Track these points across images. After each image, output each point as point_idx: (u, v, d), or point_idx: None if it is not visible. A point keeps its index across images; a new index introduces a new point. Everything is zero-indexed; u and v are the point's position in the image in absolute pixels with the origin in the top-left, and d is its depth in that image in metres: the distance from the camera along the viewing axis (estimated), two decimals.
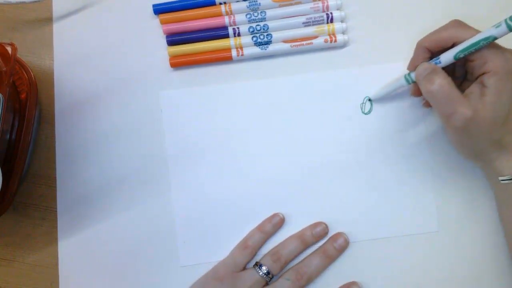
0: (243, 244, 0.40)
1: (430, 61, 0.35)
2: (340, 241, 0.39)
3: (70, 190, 0.42)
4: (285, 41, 0.42)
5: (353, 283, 0.40)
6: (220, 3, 0.42)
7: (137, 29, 0.43)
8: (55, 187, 0.42)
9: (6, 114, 0.36)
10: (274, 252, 0.39)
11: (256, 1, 0.41)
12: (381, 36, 0.42)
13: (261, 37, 0.42)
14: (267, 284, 0.39)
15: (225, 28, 0.42)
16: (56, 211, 0.41)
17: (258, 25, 0.42)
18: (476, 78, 0.34)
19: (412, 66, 0.37)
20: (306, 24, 0.42)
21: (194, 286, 0.40)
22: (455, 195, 0.40)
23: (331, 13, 0.41)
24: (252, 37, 0.42)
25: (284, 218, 0.40)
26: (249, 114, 0.42)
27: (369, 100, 0.41)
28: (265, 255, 0.39)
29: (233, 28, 0.42)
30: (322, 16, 0.41)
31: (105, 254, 0.41)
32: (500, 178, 0.35)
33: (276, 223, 0.40)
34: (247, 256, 0.39)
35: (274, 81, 0.42)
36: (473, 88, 0.34)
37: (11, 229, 0.42)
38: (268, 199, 0.41)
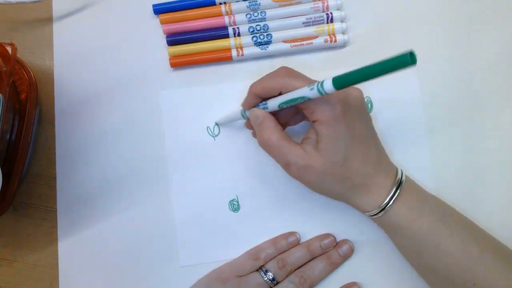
0: (255, 255, 0.39)
1: (259, 104, 0.35)
2: (345, 248, 0.40)
3: (70, 190, 0.42)
4: (285, 41, 0.42)
5: (354, 283, 0.40)
6: (220, 3, 0.42)
7: (137, 29, 0.43)
8: (55, 187, 0.42)
9: (6, 114, 0.36)
10: (281, 258, 0.39)
11: (256, 1, 0.41)
12: (381, 36, 0.42)
13: (261, 37, 0.42)
14: None
15: (225, 28, 0.42)
16: (56, 211, 0.41)
17: (258, 25, 0.42)
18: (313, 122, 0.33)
19: (246, 105, 0.36)
20: (306, 24, 0.41)
21: (196, 285, 0.40)
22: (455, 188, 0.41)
23: (331, 13, 0.41)
24: (252, 37, 0.42)
25: (300, 238, 0.40)
26: None
27: (216, 124, 0.42)
28: (271, 261, 0.39)
29: (233, 28, 0.42)
30: (322, 16, 0.41)
31: (105, 254, 0.41)
32: (366, 214, 0.35)
33: (292, 242, 0.40)
34: (256, 266, 0.39)
35: None
36: (311, 133, 0.34)
37: (11, 229, 0.42)
38: (269, 198, 0.41)
